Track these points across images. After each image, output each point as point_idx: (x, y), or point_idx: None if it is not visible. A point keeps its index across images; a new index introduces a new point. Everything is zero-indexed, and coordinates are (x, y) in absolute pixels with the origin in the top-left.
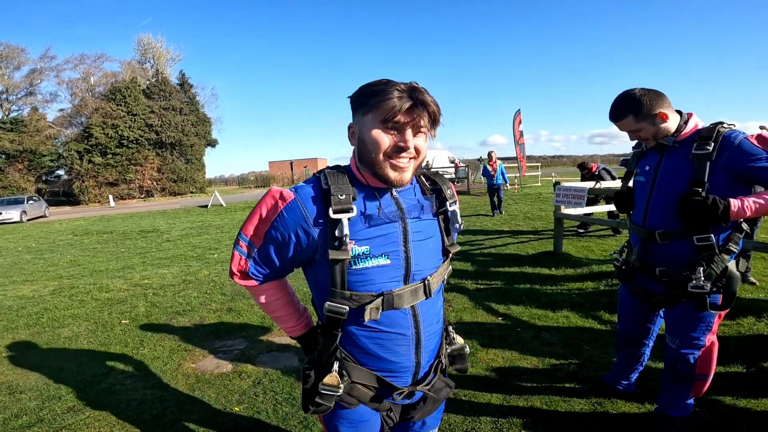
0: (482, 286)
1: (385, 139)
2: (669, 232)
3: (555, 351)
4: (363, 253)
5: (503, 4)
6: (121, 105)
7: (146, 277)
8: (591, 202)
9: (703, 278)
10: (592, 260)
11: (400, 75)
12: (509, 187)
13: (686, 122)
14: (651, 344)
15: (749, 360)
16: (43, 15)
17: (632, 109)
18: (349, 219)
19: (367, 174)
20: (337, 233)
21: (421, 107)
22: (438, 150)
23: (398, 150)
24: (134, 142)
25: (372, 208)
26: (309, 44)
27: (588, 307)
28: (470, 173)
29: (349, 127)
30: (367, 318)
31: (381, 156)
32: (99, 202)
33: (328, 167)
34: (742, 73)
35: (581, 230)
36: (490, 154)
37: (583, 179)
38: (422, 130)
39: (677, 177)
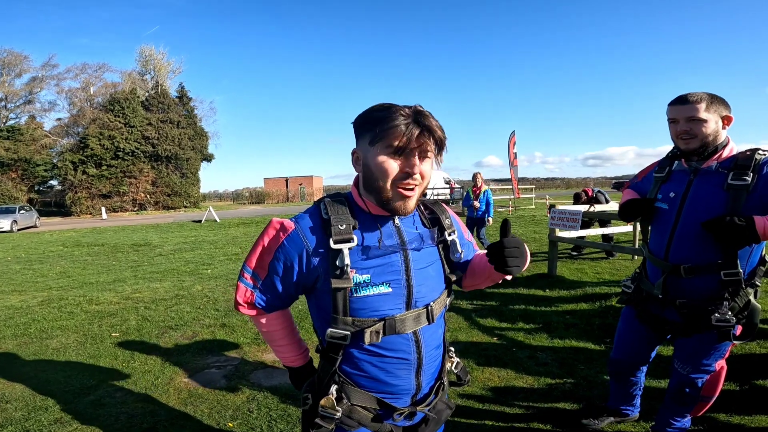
0: (477, 307)
1: (393, 166)
2: (697, 267)
3: (550, 371)
4: (364, 281)
5: (500, 25)
6: (119, 116)
7: (138, 290)
8: (585, 225)
9: (729, 312)
10: (586, 282)
11: (395, 94)
12: (490, 222)
13: (726, 144)
14: (645, 369)
15: (742, 378)
16: (49, 23)
17: (710, 97)
18: (349, 249)
19: (369, 202)
20: (338, 263)
21: (428, 132)
22: (433, 170)
23: (406, 176)
24: (130, 154)
25: (373, 239)
26: (307, 63)
27: (582, 328)
28: (464, 194)
29: (353, 153)
30: (367, 341)
31: (389, 183)
32: (91, 214)
33: (328, 196)
34: (739, 92)
35: (575, 253)
36: (475, 177)
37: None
38: (428, 155)
39: (708, 207)
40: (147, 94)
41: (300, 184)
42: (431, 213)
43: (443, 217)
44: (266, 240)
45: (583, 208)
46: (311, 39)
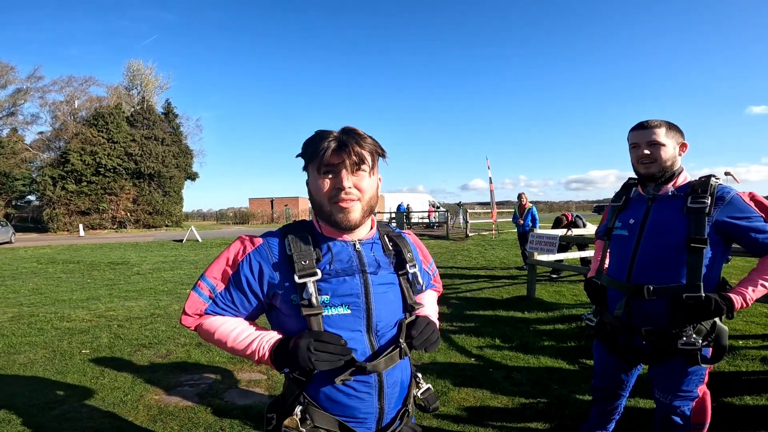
0: (456, 328)
1: (324, 185)
2: (660, 288)
3: (525, 390)
4: (323, 301)
5: (486, 51)
6: (102, 131)
7: (112, 308)
8: (563, 248)
9: (693, 335)
10: (563, 304)
11: (381, 115)
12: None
13: (680, 172)
14: (627, 394)
15: (712, 396)
16: (39, 32)
17: (668, 123)
18: (314, 282)
19: (324, 225)
20: (304, 296)
21: (348, 146)
22: (420, 193)
23: (338, 192)
24: (112, 170)
25: (330, 262)
26: (298, 82)
27: (557, 348)
28: (449, 218)
29: (306, 184)
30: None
31: (326, 202)
32: (68, 230)
33: (292, 228)
34: (700, 121)
35: (554, 275)
36: (519, 197)
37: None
38: (361, 168)
39: (670, 230)
40: (132, 109)
41: (285, 205)
42: (395, 246)
43: (405, 251)
44: (231, 253)
45: (560, 232)
46: (303, 61)
